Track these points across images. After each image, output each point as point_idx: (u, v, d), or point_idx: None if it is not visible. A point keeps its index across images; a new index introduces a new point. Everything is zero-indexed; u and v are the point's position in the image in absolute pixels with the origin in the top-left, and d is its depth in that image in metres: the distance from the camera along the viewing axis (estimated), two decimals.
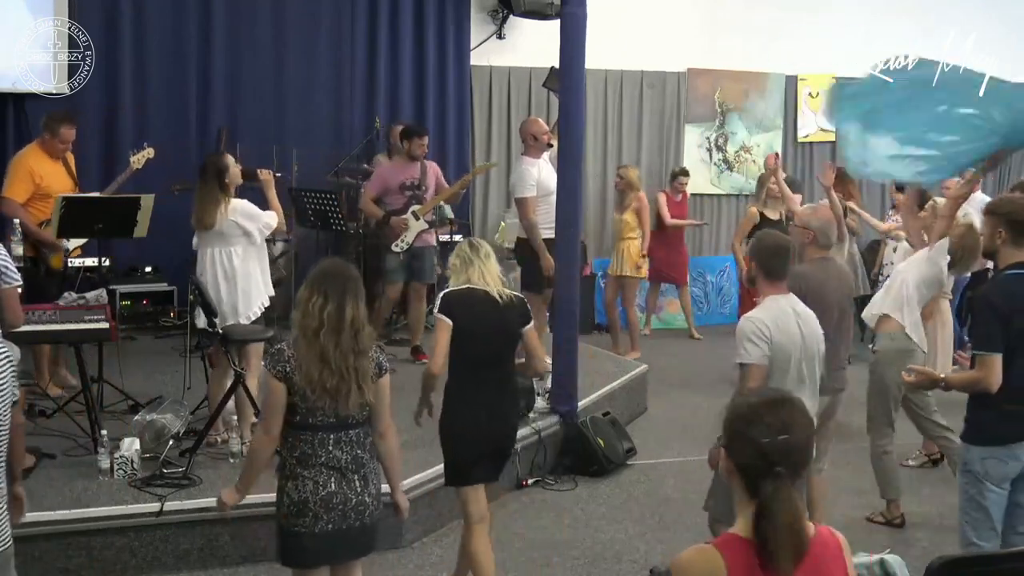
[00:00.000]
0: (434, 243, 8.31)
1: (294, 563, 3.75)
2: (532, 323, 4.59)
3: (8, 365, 3.25)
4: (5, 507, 3.25)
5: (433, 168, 8.31)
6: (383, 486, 3.82)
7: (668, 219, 10.40)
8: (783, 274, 4.34)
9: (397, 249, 8.02)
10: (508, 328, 4.48)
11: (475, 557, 4.51)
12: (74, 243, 6.87)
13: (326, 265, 3.75)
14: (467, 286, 4.45)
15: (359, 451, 3.66)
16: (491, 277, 4.47)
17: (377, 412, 3.72)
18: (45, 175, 6.74)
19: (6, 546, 3.22)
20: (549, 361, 7.09)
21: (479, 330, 4.40)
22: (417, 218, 8.02)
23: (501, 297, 4.44)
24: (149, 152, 7.29)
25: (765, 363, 4.14)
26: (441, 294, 4.51)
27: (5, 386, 3.21)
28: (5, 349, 3.27)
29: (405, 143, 8.17)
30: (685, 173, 10.84)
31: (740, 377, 4.22)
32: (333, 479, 3.59)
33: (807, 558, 2.27)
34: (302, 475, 3.59)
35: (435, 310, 4.46)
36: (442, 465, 4.91)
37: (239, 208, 5.78)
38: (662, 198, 10.60)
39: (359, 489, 3.64)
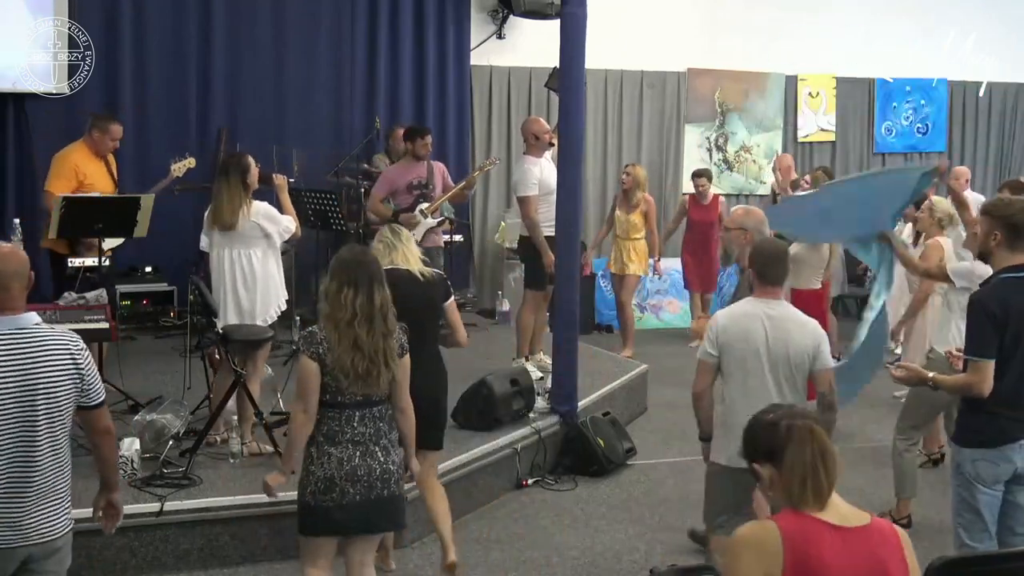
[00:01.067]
0: (442, 244, 8.26)
1: (321, 531, 3.84)
2: (452, 298, 4.91)
3: (65, 358, 3.29)
4: (67, 498, 3.45)
5: (439, 167, 8.26)
6: None
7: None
8: (778, 280, 4.35)
9: None
10: (432, 304, 4.78)
11: None
12: (108, 243, 6.85)
13: (346, 255, 3.92)
14: (391, 267, 4.63)
15: (380, 424, 3.87)
16: (412, 258, 4.78)
17: (398, 389, 3.93)
18: (89, 174, 6.75)
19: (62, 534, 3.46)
20: (548, 360, 7.13)
21: (406, 307, 4.48)
22: (425, 216, 7.99)
23: (423, 275, 4.74)
24: (190, 162, 7.27)
25: (707, 359, 4.35)
26: None
27: (58, 379, 3.26)
28: (64, 339, 3.34)
29: (408, 144, 8.13)
30: (700, 174, 10.29)
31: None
32: (358, 453, 3.78)
33: (858, 544, 2.30)
34: (328, 452, 3.77)
35: None
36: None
37: (261, 210, 5.74)
38: (687, 200, 10.43)
39: (382, 458, 3.82)
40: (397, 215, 7.99)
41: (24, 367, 3.21)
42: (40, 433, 3.26)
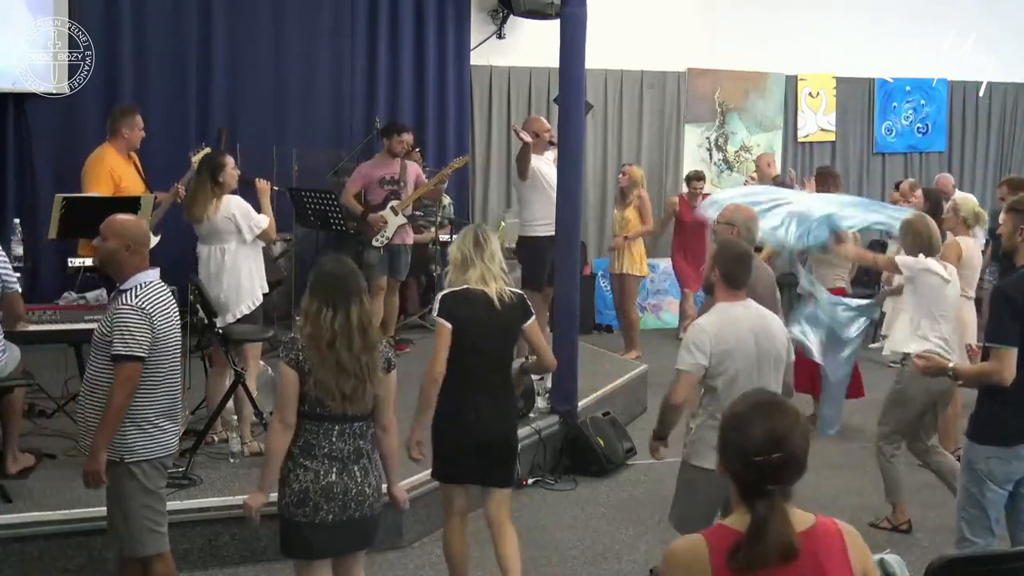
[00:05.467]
0: (410, 241, 8.35)
1: (296, 554, 3.77)
2: (533, 318, 4.51)
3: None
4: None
5: (413, 168, 8.37)
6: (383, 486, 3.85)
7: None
8: (743, 282, 4.32)
9: (377, 244, 8.09)
10: (509, 330, 4.42)
11: (447, 548, 4.59)
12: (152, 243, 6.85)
13: (325, 268, 3.75)
14: (464, 287, 4.37)
15: (361, 442, 3.73)
16: (491, 278, 4.37)
17: (382, 406, 3.79)
18: (124, 176, 6.72)
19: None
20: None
21: (479, 336, 4.31)
22: (396, 213, 8.07)
23: (501, 299, 4.36)
24: (208, 150, 7.27)
25: (696, 372, 4.21)
26: (439, 296, 4.43)
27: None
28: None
29: (385, 139, 8.29)
30: (699, 177, 10.37)
31: (673, 381, 4.31)
32: (334, 469, 3.65)
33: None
34: (304, 464, 3.65)
35: (433, 312, 4.38)
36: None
37: (233, 203, 5.88)
38: (678, 201, 10.40)
39: (359, 479, 3.69)
40: (367, 212, 8.06)
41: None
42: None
